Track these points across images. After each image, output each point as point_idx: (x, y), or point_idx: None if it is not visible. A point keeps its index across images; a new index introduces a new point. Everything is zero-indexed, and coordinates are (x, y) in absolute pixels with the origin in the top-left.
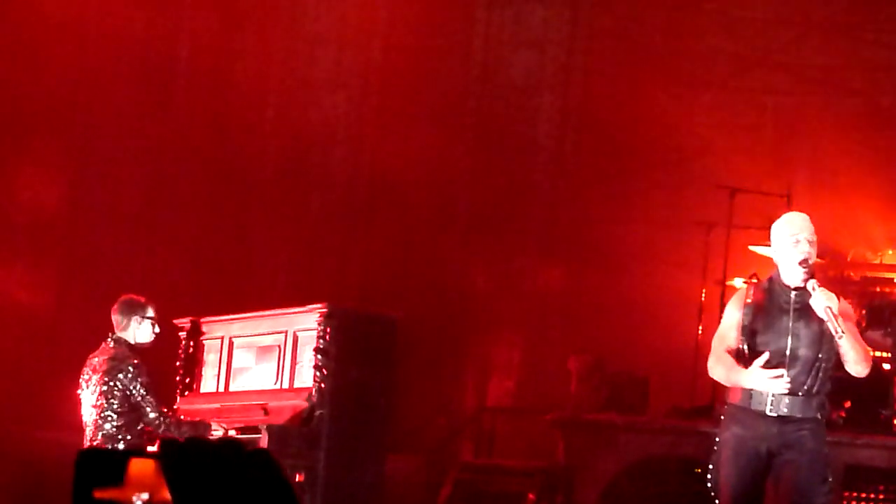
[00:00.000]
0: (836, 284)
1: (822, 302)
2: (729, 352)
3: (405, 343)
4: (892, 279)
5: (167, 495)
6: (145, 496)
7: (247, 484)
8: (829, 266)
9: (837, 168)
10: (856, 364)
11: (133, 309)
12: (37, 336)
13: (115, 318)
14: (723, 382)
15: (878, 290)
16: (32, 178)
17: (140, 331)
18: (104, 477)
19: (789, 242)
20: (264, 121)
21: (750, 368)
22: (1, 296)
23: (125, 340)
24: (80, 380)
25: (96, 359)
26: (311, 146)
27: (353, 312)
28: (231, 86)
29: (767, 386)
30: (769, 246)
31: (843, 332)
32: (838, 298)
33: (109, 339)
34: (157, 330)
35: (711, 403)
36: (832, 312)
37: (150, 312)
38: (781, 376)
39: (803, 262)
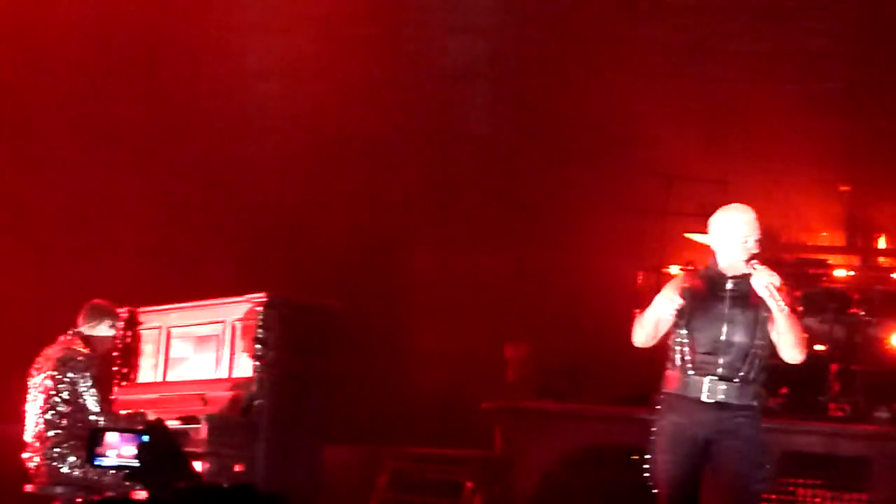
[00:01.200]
0: (769, 267)
1: (765, 278)
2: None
3: (342, 332)
4: (825, 261)
5: None
6: None
7: None
8: (763, 248)
9: (772, 153)
10: (792, 348)
11: (105, 313)
12: None
13: (83, 316)
14: (637, 336)
15: (811, 271)
16: None
17: (103, 335)
18: None
19: (738, 242)
20: (199, 109)
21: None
22: None
23: (84, 336)
24: (32, 369)
25: (50, 349)
26: (246, 135)
27: (291, 302)
28: (164, 73)
29: (665, 304)
30: (707, 233)
31: (785, 306)
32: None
33: (69, 333)
34: (113, 338)
35: (647, 391)
36: (774, 287)
37: (118, 322)
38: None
39: (750, 259)
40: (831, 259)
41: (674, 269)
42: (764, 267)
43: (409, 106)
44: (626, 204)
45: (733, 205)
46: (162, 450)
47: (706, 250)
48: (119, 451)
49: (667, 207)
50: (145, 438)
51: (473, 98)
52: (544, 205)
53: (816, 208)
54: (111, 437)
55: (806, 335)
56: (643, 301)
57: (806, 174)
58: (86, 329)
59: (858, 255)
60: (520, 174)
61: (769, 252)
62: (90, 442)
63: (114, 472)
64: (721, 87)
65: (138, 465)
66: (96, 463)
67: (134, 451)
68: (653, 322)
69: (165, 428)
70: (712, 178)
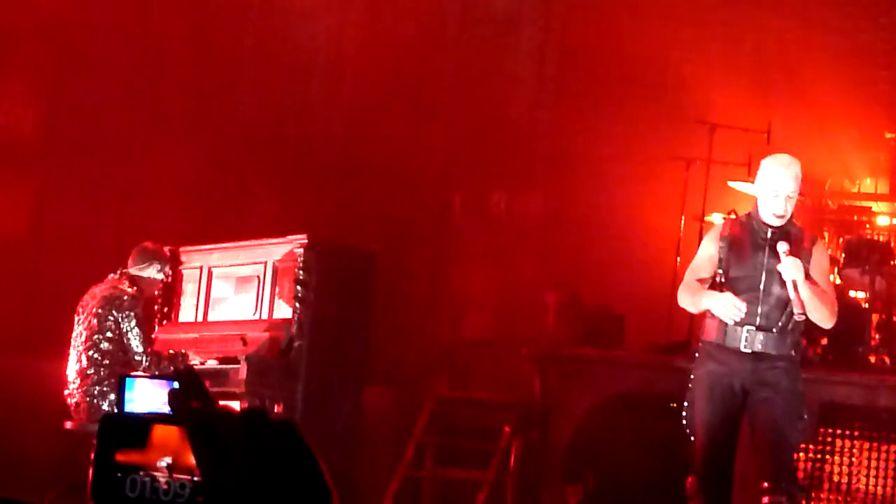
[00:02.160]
0: (814, 212)
1: (789, 273)
2: (700, 282)
3: (382, 275)
4: (869, 207)
5: (190, 460)
6: (168, 460)
7: (272, 454)
8: (807, 195)
9: (816, 100)
10: (818, 321)
11: (155, 257)
12: (10, 261)
13: (133, 258)
14: (689, 308)
15: (854, 219)
16: (7, 98)
17: (151, 277)
18: (127, 441)
19: (769, 194)
20: (243, 49)
21: (716, 294)
22: None
23: (132, 276)
24: (78, 306)
25: (97, 288)
26: (289, 76)
27: (332, 244)
28: (209, 13)
29: (722, 311)
30: (751, 182)
31: (802, 311)
32: (814, 242)
33: (118, 273)
34: (161, 282)
35: (688, 339)
36: (796, 287)
37: (168, 267)
38: (740, 309)
39: (778, 217)
40: (875, 206)
41: (716, 218)
42: (792, 259)
43: (455, 50)
44: (670, 151)
45: (779, 155)
46: (192, 397)
47: (749, 199)
48: (150, 396)
49: (710, 156)
50: (175, 385)
51: (519, 44)
52: (588, 151)
53: (861, 155)
54: (142, 383)
55: (834, 303)
56: (685, 249)
57: (851, 121)
58: (134, 270)
59: None
60: (563, 121)
61: (814, 199)
62: (119, 387)
63: None
64: (767, 35)
65: (169, 411)
66: (126, 411)
67: (164, 397)
68: (704, 309)
69: (194, 374)
70: (757, 126)
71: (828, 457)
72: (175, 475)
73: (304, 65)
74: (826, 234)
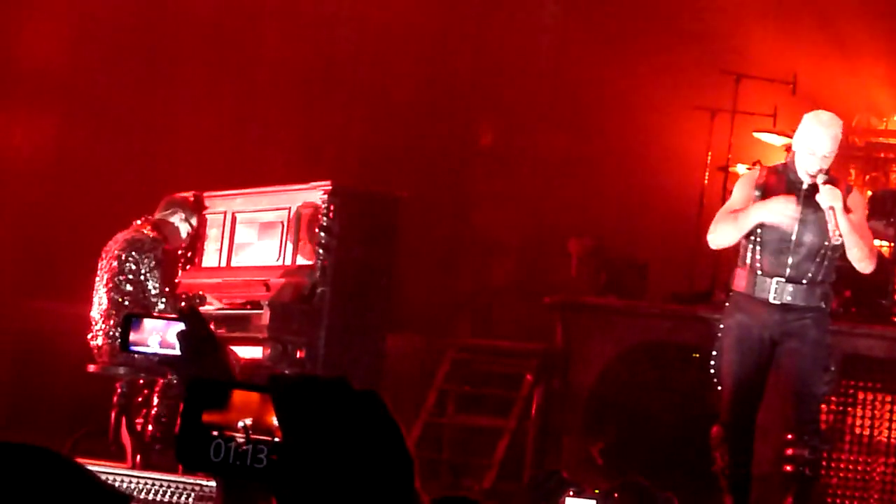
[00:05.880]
0: (841, 150)
1: (827, 201)
2: None
3: (406, 222)
4: None
5: (271, 421)
6: (248, 421)
7: (355, 423)
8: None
9: (843, 36)
10: (859, 261)
11: (181, 205)
12: (33, 204)
13: (160, 206)
14: (729, 234)
15: (881, 155)
16: (34, 28)
17: (175, 224)
18: (211, 402)
19: (805, 151)
20: None
21: (763, 203)
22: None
23: (156, 222)
24: (102, 251)
25: (121, 233)
26: (311, 24)
27: (356, 190)
28: None
29: (781, 209)
30: (776, 132)
31: (840, 233)
32: (850, 191)
33: (142, 219)
34: (187, 236)
35: (711, 289)
36: (835, 213)
37: (194, 220)
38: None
39: (815, 174)
40: None
41: (741, 169)
42: (830, 187)
43: None
44: (694, 101)
45: (822, 113)
46: (199, 337)
47: (774, 150)
48: (163, 336)
49: (735, 107)
50: (182, 326)
51: None
52: (613, 100)
53: (888, 91)
54: (151, 323)
55: (873, 245)
56: (709, 200)
57: (878, 58)
58: (159, 215)
59: None
60: (588, 70)
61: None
62: (123, 327)
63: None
64: None
65: (178, 353)
66: (131, 349)
67: (176, 337)
68: (751, 225)
69: (199, 314)
70: (782, 75)
71: (850, 409)
72: (253, 436)
73: (329, 10)
74: (853, 172)
